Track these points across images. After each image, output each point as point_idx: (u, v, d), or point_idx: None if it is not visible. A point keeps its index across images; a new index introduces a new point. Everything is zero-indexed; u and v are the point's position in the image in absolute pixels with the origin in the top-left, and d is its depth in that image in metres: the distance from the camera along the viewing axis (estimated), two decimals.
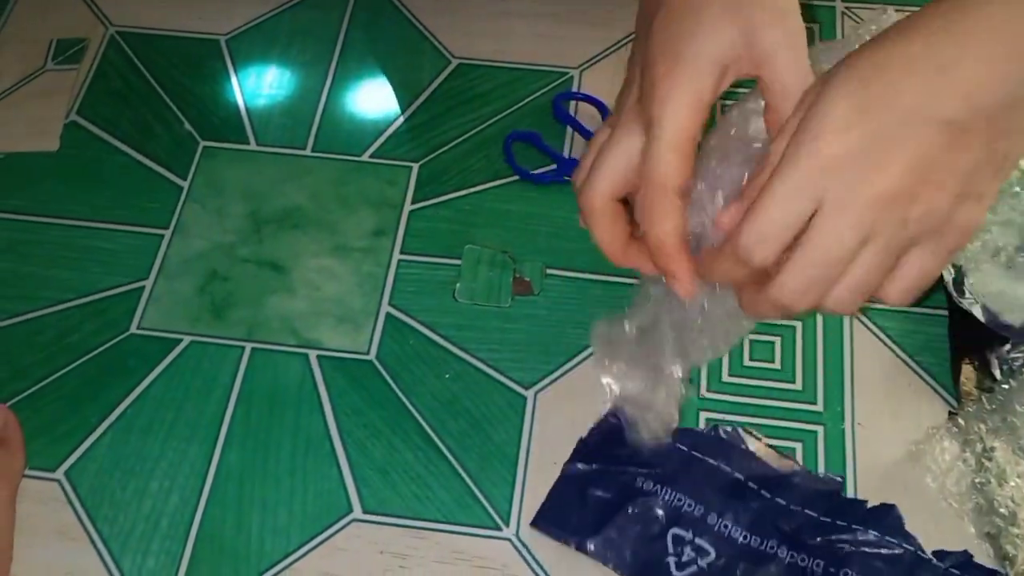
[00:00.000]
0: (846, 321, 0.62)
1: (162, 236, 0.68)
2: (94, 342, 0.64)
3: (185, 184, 0.70)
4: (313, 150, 0.71)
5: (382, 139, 0.72)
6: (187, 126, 0.73)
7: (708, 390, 0.60)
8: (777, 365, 0.61)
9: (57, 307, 0.65)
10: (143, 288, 0.66)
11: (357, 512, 0.57)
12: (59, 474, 0.59)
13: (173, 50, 0.77)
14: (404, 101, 0.74)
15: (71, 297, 0.65)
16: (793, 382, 0.60)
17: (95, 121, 0.73)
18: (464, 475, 0.58)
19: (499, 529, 0.56)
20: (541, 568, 0.55)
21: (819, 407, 0.59)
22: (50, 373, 0.63)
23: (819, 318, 0.62)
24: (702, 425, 0.59)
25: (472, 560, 0.56)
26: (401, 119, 0.73)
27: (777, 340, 0.62)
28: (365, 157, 0.71)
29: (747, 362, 0.61)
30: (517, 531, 0.56)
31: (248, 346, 0.63)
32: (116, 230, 0.68)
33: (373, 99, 0.74)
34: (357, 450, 0.59)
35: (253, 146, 0.72)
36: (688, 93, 0.42)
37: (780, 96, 0.42)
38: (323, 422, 0.60)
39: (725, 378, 0.61)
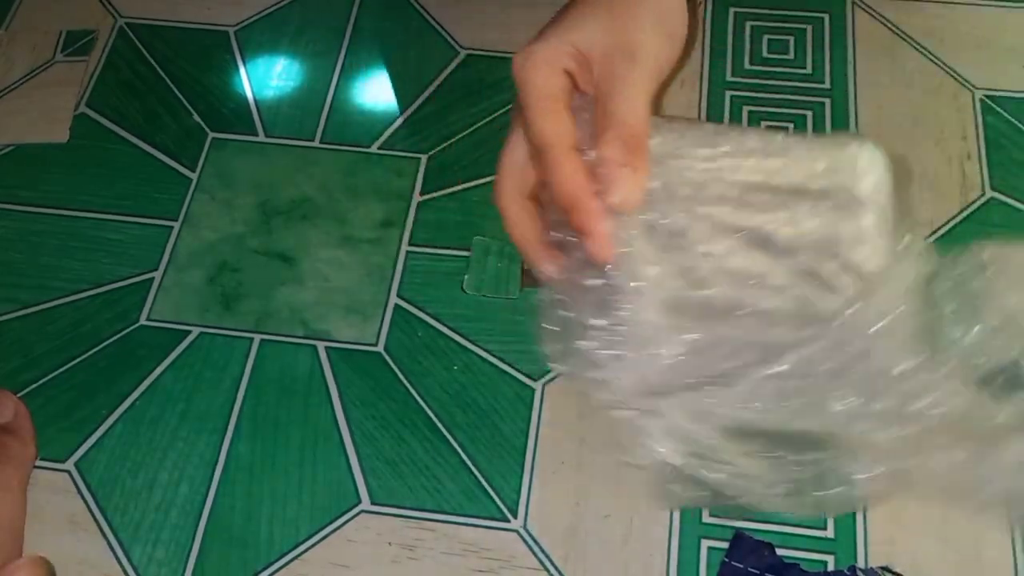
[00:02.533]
0: None
1: (171, 227, 0.68)
2: (104, 333, 0.64)
3: (194, 175, 0.70)
4: (322, 141, 0.71)
5: (391, 130, 0.72)
6: (196, 117, 0.73)
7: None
8: None
9: (67, 298, 0.65)
10: (153, 279, 0.66)
11: (365, 503, 0.58)
12: (69, 464, 0.60)
13: (182, 41, 0.77)
14: (412, 92, 0.73)
15: (81, 288, 0.66)
16: None
17: (104, 112, 0.74)
18: (472, 467, 0.58)
19: (507, 521, 0.57)
20: (549, 560, 0.55)
21: None
22: (60, 364, 0.63)
23: None
24: None
25: (480, 552, 0.56)
26: (410, 110, 0.73)
27: None
28: (374, 148, 0.71)
29: None
30: (525, 523, 0.56)
31: (257, 337, 0.63)
32: (126, 221, 0.68)
33: (382, 90, 0.74)
34: (366, 441, 0.59)
35: (262, 137, 0.72)
36: (541, 61, 0.42)
37: (601, 118, 0.41)
38: (332, 413, 0.60)
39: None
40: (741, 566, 0.54)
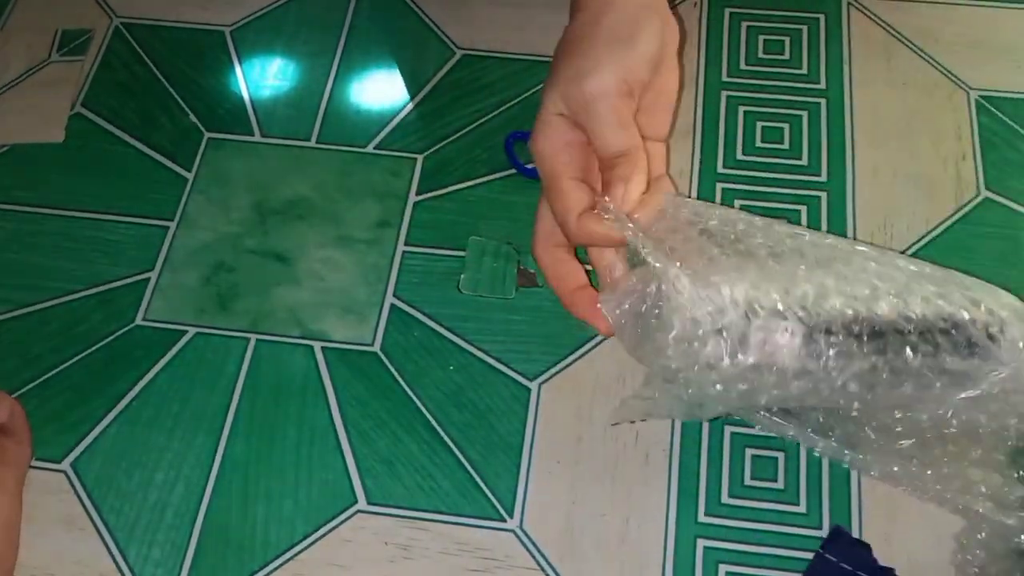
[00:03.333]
0: None
1: (167, 227, 0.68)
2: (100, 333, 0.64)
3: (190, 175, 0.70)
4: (318, 141, 0.71)
5: (387, 130, 0.72)
6: (192, 117, 0.73)
7: None
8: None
9: (63, 298, 0.65)
10: (148, 279, 0.66)
11: (362, 503, 0.58)
12: (65, 464, 0.60)
13: (178, 41, 0.77)
14: (409, 92, 0.74)
15: (77, 288, 0.66)
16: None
17: (100, 112, 0.73)
18: (468, 466, 0.58)
19: (503, 521, 0.57)
20: (544, 560, 0.55)
21: None
22: (56, 364, 0.63)
23: None
24: None
25: (476, 551, 0.56)
26: (406, 110, 0.73)
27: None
28: (370, 148, 0.71)
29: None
30: (521, 523, 0.57)
31: (253, 337, 0.63)
32: (121, 221, 0.68)
33: (378, 90, 0.74)
34: (362, 441, 0.59)
35: (258, 137, 0.72)
36: (543, 143, 0.49)
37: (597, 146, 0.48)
38: (328, 413, 0.60)
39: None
40: (835, 560, 0.53)
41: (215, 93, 0.74)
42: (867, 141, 0.69)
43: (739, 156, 0.69)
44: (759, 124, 0.70)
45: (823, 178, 0.68)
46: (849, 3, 0.76)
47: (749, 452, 0.58)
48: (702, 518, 0.56)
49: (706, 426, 0.59)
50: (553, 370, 0.61)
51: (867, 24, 0.74)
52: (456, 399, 0.61)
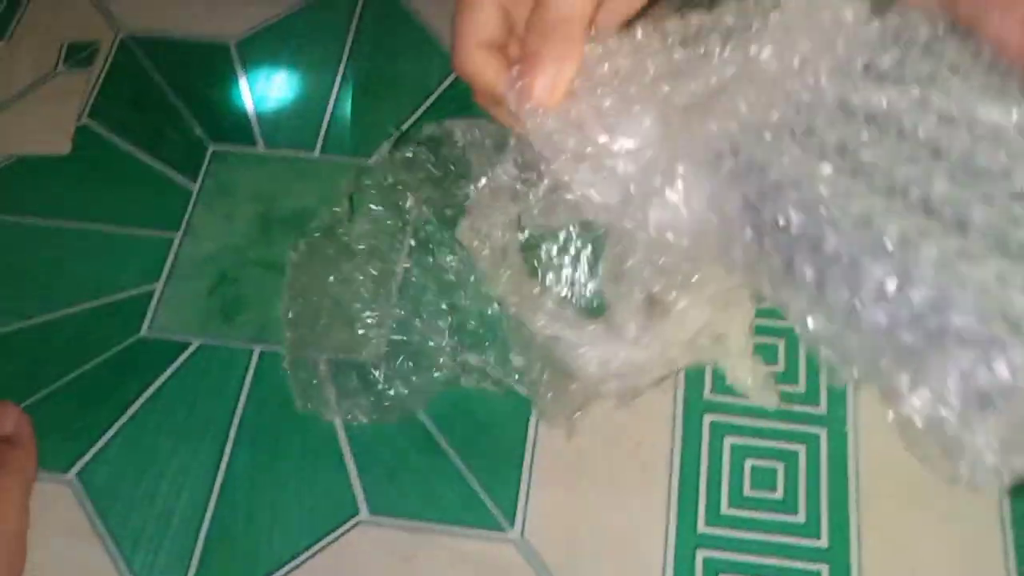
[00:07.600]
0: None
1: (172, 239, 0.68)
2: (105, 345, 0.64)
3: (195, 187, 0.71)
4: (322, 153, 0.72)
5: (391, 142, 0.72)
6: (197, 129, 0.73)
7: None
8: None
9: (68, 310, 0.66)
10: (153, 291, 0.66)
11: (364, 514, 0.58)
12: (71, 475, 0.60)
13: (183, 53, 0.77)
14: (412, 104, 0.74)
15: (82, 300, 0.66)
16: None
17: (106, 124, 0.74)
18: (470, 476, 0.59)
19: (504, 531, 0.57)
20: (545, 570, 0.56)
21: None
22: (61, 375, 0.63)
23: None
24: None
25: (478, 562, 0.56)
26: (409, 122, 0.73)
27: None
28: (374, 160, 0.71)
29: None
30: (523, 533, 0.57)
31: (257, 349, 0.64)
32: (126, 233, 0.69)
33: (382, 102, 0.75)
34: (364, 451, 0.60)
35: (262, 149, 0.72)
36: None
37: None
38: (331, 424, 0.61)
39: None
40: None
41: (220, 105, 0.75)
42: None
43: None
44: None
45: None
46: None
47: (749, 462, 0.58)
48: (702, 528, 0.57)
49: (706, 437, 0.59)
50: None
51: None
52: (458, 408, 0.61)
